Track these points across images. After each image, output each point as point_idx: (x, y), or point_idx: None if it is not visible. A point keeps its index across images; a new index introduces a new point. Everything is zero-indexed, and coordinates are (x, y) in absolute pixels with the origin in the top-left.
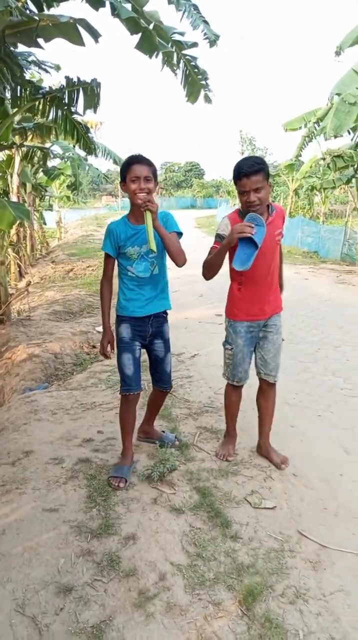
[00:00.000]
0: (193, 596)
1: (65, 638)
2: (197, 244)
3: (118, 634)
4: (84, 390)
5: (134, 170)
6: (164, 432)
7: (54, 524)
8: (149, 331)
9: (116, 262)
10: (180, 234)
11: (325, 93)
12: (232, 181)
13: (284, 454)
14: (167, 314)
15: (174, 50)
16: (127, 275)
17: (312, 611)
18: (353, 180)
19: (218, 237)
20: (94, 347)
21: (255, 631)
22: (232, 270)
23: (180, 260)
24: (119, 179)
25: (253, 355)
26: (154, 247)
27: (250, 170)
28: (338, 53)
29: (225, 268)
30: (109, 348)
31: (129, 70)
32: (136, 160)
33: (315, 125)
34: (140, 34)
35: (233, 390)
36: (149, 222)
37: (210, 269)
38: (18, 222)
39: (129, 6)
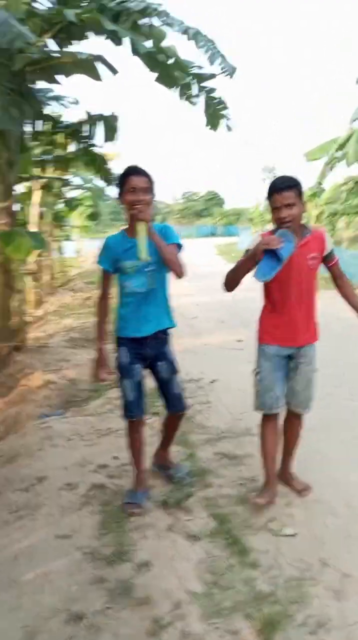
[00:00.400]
0: (209, 625)
1: None
2: (216, 270)
3: None
4: (100, 416)
5: (131, 181)
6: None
7: (67, 550)
8: (148, 353)
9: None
10: (179, 246)
11: (322, 92)
12: (254, 210)
13: (307, 479)
14: (167, 334)
15: (193, 82)
16: (124, 292)
17: None
18: None
19: (247, 252)
20: (111, 372)
21: None
22: (265, 293)
23: (178, 271)
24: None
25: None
26: (144, 255)
27: (282, 186)
28: None
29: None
30: (103, 373)
31: (147, 106)
32: (133, 171)
33: (336, 153)
34: (159, 68)
35: (266, 424)
36: (141, 232)
37: (230, 278)
38: (34, 251)
39: (148, 43)
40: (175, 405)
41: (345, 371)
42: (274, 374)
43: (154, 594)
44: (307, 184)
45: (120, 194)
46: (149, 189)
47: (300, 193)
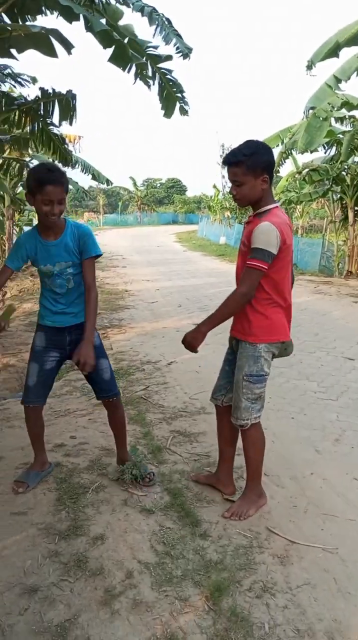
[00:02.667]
0: (160, 593)
1: (29, 637)
2: (176, 257)
3: (82, 632)
4: (59, 397)
5: (47, 192)
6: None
7: (22, 527)
8: (67, 340)
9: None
10: (98, 257)
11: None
12: (214, 197)
13: None
14: None
15: (147, 63)
16: (46, 287)
17: (279, 604)
18: (329, 193)
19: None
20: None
21: (220, 625)
22: None
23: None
24: (100, 194)
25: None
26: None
27: (229, 161)
28: (310, 67)
29: (212, 279)
30: None
31: (109, 90)
32: (49, 181)
33: (291, 141)
34: (113, 47)
35: (216, 411)
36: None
37: None
38: None
39: (103, 20)
40: (105, 390)
41: (295, 353)
42: (223, 361)
43: (107, 565)
44: None
45: (31, 194)
46: (64, 198)
47: (251, 168)
